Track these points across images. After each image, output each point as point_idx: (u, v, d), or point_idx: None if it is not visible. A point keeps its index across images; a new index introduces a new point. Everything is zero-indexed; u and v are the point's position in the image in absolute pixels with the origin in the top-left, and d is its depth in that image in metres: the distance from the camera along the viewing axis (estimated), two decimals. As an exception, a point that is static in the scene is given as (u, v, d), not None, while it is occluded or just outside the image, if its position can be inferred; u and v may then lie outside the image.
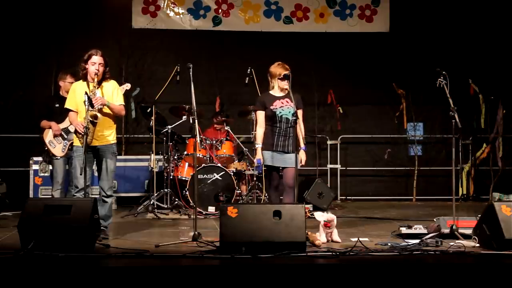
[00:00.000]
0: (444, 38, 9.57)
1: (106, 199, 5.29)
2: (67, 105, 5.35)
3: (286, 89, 5.63)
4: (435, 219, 5.40)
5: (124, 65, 9.31)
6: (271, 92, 5.75)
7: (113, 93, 5.33)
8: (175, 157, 7.71)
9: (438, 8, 9.78)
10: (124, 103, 5.43)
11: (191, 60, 5.49)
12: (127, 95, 7.39)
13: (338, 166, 9.71)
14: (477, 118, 9.69)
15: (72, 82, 6.40)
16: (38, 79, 8.93)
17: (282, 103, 5.66)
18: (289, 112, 5.64)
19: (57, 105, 6.47)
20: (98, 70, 5.19)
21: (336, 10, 9.91)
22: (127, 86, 5.95)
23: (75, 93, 5.29)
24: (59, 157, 6.33)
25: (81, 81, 5.34)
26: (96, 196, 5.50)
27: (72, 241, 4.35)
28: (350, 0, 9.89)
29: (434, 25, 9.72)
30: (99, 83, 5.26)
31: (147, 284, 3.79)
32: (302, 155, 5.59)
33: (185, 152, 7.64)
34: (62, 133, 6.34)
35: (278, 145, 5.65)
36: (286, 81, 5.60)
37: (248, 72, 6.98)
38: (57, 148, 6.34)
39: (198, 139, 5.22)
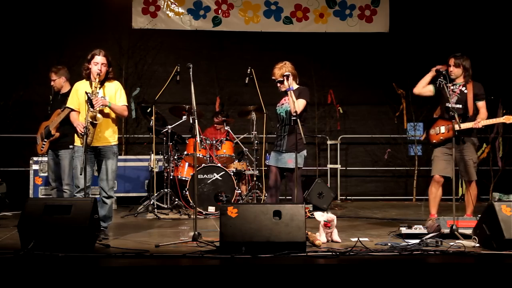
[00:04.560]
0: (444, 38, 9.56)
1: (106, 200, 5.29)
2: (69, 104, 5.34)
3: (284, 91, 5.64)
4: (435, 219, 5.41)
5: (124, 65, 9.32)
6: None
7: (116, 94, 5.32)
8: (175, 157, 7.71)
9: (438, 8, 9.79)
10: (127, 104, 5.42)
11: (191, 60, 5.50)
12: (127, 95, 7.40)
13: (338, 166, 9.71)
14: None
15: (55, 80, 6.33)
16: (38, 79, 8.91)
17: (285, 100, 5.68)
18: (284, 110, 5.63)
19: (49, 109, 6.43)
20: (100, 70, 5.19)
21: (336, 10, 9.91)
22: None
23: (77, 93, 5.28)
24: (40, 155, 6.33)
25: (84, 80, 5.34)
26: (97, 196, 5.49)
27: (72, 241, 4.35)
28: (350, 0, 9.90)
29: (434, 25, 9.72)
30: (102, 83, 5.26)
31: (147, 284, 3.79)
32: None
33: (185, 152, 7.63)
34: (42, 132, 6.28)
35: (275, 145, 5.69)
36: (278, 84, 5.63)
37: (248, 72, 6.98)
38: (38, 146, 6.31)
39: (198, 139, 5.21)
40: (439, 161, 5.81)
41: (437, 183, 5.82)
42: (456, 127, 5.36)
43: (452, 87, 5.86)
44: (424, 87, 6.01)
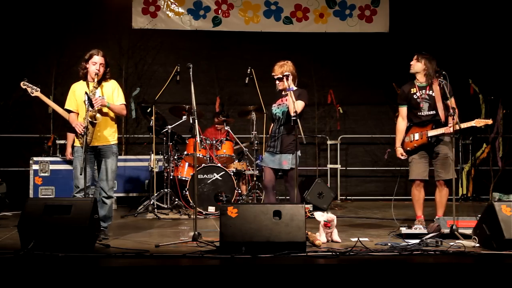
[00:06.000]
0: (444, 38, 9.56)
1: (106, 200, 5.28)
2: (67, 106, 5.31)
3: (281, 90, 5.60)
4: (435, 219, 5.40)
5: (124, 65, 9.32)
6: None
7: (114, 93, 5.31)
8: (175, 157, 7.71)
9: (437, 8, 9.79)
10: (125, 103, 5.41)
11: (191, 60, 5.49)
12: (127, 95, 7.40)
13: (338, 166, 9.71)
14: (477, 118, 9.68)
15: None
16: (38, 79, 8.88)
17: (282, 100, 5.64)
18: (281, 110, 5.60)
19: None
20: (98, 70, 5.18)
21: (336, 10, 9.91)
22: None
23: (74, 94, 5.27)
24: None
25: (80, 81, 5.32)
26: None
27: (72, 241, 4.35)
28: (350, 0, 9.90)
29: (434, 25, 9.72)
30: (99, 83, 5.25)
31: (147, 284, 3.79)
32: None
33: (185, 152, 7.63)
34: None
35: (269, 145, 5.66)
36: (277, 82, 5.59)
37: (248, 72, 6.99)
38: None
39: (198, 139, 5.21)
40: (416, 164, 5.72)
41: (418, 186, 5.75)
42: (457, 126, 5.32)
43: (419, 93, 5.72)
44: (402, 126, 5.94)
